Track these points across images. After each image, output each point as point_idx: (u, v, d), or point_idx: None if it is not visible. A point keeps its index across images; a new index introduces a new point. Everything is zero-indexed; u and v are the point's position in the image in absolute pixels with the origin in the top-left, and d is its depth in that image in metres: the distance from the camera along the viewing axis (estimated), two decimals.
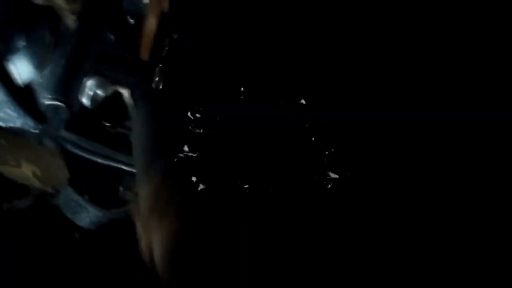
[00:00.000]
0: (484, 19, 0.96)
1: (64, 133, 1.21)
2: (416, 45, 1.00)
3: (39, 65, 1.19)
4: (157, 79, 1.17)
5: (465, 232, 0.93)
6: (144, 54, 1.21)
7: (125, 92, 1.20)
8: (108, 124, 1.24)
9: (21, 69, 1.20)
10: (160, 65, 1.17)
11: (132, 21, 1.24)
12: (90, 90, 1.20)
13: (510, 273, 0.90)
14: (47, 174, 1.31)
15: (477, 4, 0.96)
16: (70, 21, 1.22)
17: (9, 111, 1.20)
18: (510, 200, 0.93)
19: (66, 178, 1.31)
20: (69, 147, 1.23)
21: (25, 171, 1.31)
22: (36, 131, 1.22)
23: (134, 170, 1.15)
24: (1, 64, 1.19)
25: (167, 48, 1.18)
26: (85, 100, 1.21)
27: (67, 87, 1.20)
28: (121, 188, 1.28)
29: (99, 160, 1.21)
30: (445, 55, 0.98)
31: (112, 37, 1.24)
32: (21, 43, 1.17)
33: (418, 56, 1.00)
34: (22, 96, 1.20)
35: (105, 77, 1.20)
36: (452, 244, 0.92)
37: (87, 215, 1.24)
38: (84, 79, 1.19)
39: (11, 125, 1.21)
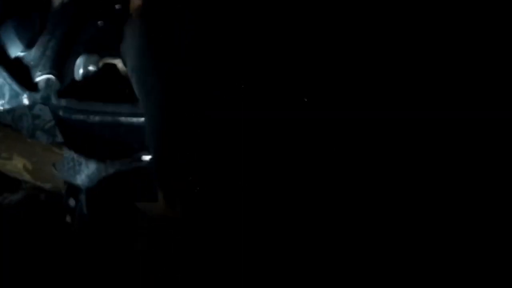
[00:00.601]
0: (484, 19, 0.96)
1: (55, 100, 1.25)
2: (416, 45, 1.00)
3: (28, 45, 1.23)
4: None
5: (463, 233, 0.92)
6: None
7: (117, 62, 1.23)
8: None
9: (12, 49, 1.26)
10: None
11: (118, 6, 1.28)
12: (81, 66, 1.24)
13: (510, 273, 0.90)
14: (38, 168, 1.31)
15: (477, 4, 0.96)
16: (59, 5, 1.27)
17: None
18: (509, 200, 0.93)
19: (57, 174, 1.30)
20: (61, 112, 1.25)
21: (16, 164, 1.31)
22: (28, 102, 1.27)
23: (125, 119, 1.19)
24: None
25: None
26: (76, 75, 1.25)
27: (57, 64, 1.26)
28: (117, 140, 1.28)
29: (91, 117, 1.23)
30: (445, 56, 0.99)
31: (100, 22, 1.28)
32: (13, 25, 1.22)
33: (418, 56, 1.00)
34: (15, 73, 1.26)
35: (95, 54, 1.24)
36: (450, 244, 0.93)
37: (86, 171, 1.24)
38: (75, 57, 1.22)
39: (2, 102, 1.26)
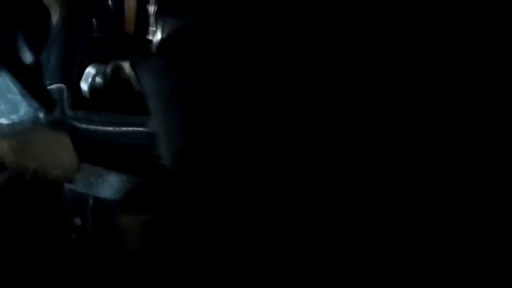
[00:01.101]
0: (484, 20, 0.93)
1: (70, 112, 1.28)
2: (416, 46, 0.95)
3: (35, 54, 1.26)
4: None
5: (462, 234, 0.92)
6: (130, 27, 1.27)
7: (125, 65, 1.26)
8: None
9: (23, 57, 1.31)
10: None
11: (110, 2, 1.32)
12: (89, 76, 1.26)
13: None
14: (22, 147, 1.34)
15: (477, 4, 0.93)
16: (58, 14, 1.30)
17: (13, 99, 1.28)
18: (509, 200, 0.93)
19: (42, 153, 1.34)
20: (77, 124, 1.27)
21: (1, 145, 1.34)
22: (44, 117, 1.30)
23: (146, 129, 1.19)
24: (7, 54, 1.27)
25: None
26: (84, 87, 1.27)
27: (64, 73, 1.29)
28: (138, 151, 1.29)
29: (110, 128, 1.24)
30: (445, 57, 0.94)
31: (95, 22, 1.31)
32: (20, 35, 1.25)
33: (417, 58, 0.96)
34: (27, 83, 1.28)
35: (100, 61, 1.26)
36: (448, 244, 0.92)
37: (109, 184, 1.25)
38: (81, 66, 1.25)
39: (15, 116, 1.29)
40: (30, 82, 1.28)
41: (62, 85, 1.26)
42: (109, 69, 1.26)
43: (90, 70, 1.27)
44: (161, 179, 1.14)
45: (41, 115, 1.30)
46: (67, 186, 1.26)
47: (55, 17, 1.32)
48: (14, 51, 1.28)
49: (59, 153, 1.34)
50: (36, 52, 1.29)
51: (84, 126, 1.25)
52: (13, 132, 1.34)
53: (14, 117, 1.31)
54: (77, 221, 1.26)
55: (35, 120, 1.30)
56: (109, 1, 1.32)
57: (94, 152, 1.28)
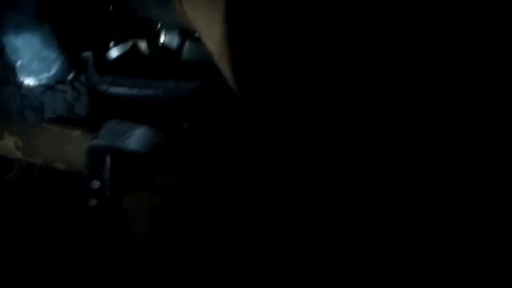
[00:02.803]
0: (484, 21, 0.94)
1: (97, 77, 1.31)
2: (416, 48, 0.97)
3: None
4: None
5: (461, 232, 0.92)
6: None
7: (141, 44, 1.32)
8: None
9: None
10: None
11: None
12: (114, 46, 1.33)
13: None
14: (29, 145, 1.36)
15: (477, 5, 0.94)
16: None
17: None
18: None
19: (48, 148, 1.35)
20: (104, 88, 1.30)
21: (7, 143, 1.36)
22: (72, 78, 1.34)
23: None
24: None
25: None
26: (109, 56, 1.34)
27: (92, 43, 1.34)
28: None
29: (136, 91, 1.29)
30: (445, 59, 0.96)
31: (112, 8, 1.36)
32: None
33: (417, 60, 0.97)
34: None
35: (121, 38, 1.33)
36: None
37: (136, 136, 1.28)
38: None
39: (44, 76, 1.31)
40: (68, 43, 1.32)
41: (89, 52, 1.32)
42: (129, 44, 1.34)
43: (113, 43, 1.35)
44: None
45: (70, 77, 1.33)
46: (89, 142, 1.29)
47: None
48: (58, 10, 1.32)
49: (65, 148, 1.35)
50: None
51: (111, 88, 1.30)
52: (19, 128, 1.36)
53: (43, 77, 1.33)
54: (95, 184, 1.27)
55: (63, 81, 1.33)
56: None
57: (120, 111, 1.31)
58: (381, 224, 0.93)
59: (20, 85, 1.35)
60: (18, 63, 1.31)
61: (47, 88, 1.34)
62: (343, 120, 0.95)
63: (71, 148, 1.34)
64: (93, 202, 1.25)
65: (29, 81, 1.33)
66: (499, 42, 0.91)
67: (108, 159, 1.25)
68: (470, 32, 0.92)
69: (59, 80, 1.33)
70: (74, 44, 1.32)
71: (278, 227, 0.98)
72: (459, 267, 0.91)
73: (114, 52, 1.33)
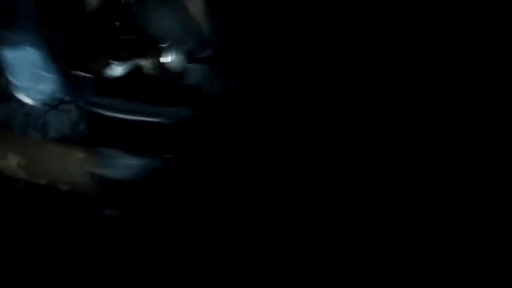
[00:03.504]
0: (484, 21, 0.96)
1: (91, 98, 1.28)
2: (416, 49, 1.00)
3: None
4: None
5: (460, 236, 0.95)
6: None
7: (145, 63, 1.27)
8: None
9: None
10: None
11: (133, 8, 1.33)
12: (115, 66, 1.28)
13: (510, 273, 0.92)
14: (31, 164, 1.33)
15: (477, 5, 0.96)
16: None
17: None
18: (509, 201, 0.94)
19: (52, 168, 1.33)
20: (97, 109, 1.27)
21: (11, 162, 1.33)
22: (67, 97, 1.30)
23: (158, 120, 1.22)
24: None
25: None
26: (108, 76, 1.29)
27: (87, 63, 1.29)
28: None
29: (129, 115, 1.26)
30: (445, 59, 0.99)
31: (117, 24, 1.33)
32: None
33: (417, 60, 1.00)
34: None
35: (121, 57, 1.28)
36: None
37: (124, 166, 1.26)
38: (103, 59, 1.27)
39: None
40: (62, 61, 1.30)
41: (85, 74, 1.30)
42: (131, 64, 1.31)
43: (114, 63, 1.32)
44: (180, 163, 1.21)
45: (59, 96, 1.30)
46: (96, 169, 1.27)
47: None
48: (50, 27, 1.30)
49: (69, 168, 1.33)
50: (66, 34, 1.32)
51: (103, 111, 1.28)
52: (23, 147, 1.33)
53: (42, 97, 1.30)
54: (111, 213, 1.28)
55: (52, 101, 1.30)
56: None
57: (112, 136, 1.29)
58: (381, 223, 0.95)
59: (23, 103, 1.32)
60: (16, 81, 1.28)
61: (51, 107, 1.31)
62: (343, 120, 0.97)
63: (75, 169, 1.32)
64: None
65: (28, 100, 1.30)
66: (499, 42, 0.93)
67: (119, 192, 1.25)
68: (470, 32, 0.94)
69: (61, 100, 1.30)
70: (75, 63, 1.29)
71: (278, 227, 0.99)
72: (459, 265, 0.93)
73: (116, 72, 1.29)
